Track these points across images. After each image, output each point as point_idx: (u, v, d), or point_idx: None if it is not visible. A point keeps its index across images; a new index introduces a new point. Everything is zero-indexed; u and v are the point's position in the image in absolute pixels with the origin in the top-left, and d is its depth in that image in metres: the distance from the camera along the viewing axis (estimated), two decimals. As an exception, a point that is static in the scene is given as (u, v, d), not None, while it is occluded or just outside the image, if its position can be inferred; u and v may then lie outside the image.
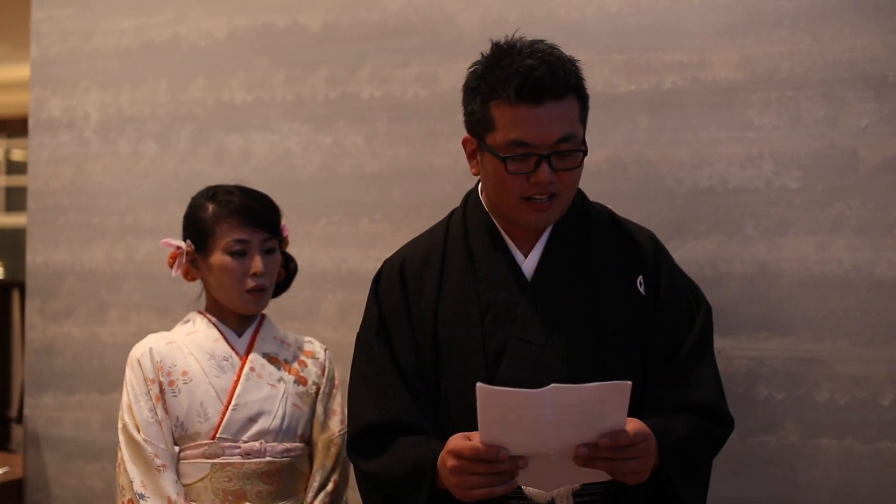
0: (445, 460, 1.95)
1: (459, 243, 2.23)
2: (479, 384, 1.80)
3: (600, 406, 1.83)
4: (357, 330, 2.31)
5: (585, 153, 2.09)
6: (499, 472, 1.88)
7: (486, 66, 2.09)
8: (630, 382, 1.82)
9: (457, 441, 1.93)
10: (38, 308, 3.53)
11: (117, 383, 3.32)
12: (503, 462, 1.86)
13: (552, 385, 1.77)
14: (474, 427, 1.93)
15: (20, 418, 3.94)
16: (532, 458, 1.88)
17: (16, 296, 4.62)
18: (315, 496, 2.49)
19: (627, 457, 1.90)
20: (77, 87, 3.47)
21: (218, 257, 2.47)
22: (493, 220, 2.20)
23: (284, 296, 2.63)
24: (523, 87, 2.01)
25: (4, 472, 3.61)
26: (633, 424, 1.91)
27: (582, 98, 2.10)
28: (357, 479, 2.25)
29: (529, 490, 2.08)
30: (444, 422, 2.13)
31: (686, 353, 2.17)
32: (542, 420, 1.80)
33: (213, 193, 2.53)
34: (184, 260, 2.55)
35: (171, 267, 2.57)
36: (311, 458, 2.54)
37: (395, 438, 2.12)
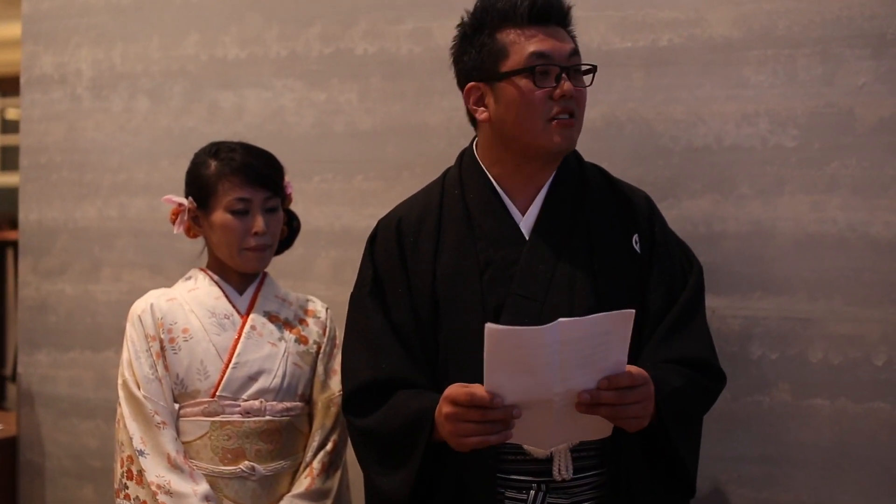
0: (441, 407, 1.96)
1: (456, 201, 2.24)
2: (488, 325, 1.79)
3: (605, 339, 1.84)
4: (351, 288, 2.31)
5: (595, 68, 2.19)
6: (493, 421, 1.89)
7: (487, 2, 2.16)
8: (633, 311, 1.84)
9: (453, 388, 1.94)
10: (31, 266, 3.53)
11: (111, 341, 3.34)
12: (497, 409, 1.87)
13: (559, 320, 1.78)
14: (472, 382, 1.94)
15: (14, 376, 3.95)
16: (532, 409, 1.88)
17: (10, 254, 4.61)
18: (314, 456, 2.49)
19: (629, 401, 1.90)
20: (69, 43, 3.45)
21: (219, 215, 2.46)
22: (490, 177, 2.21)
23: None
24: (534, 6, 2.10)
25: (-1, 430, 3.62)
26: (633, 368, 1.92)
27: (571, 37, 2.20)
28: (351, 438, 2.26)
29: (527, 446, 2.09)
30: (442, 379, 2.13)
31: (679, 311, 2.19)
32: (550, 359, 1.80)
33: (215, 150, 2.51)
34: (185, 217, 2.53)
35: (174, 224, 2.55)
36: (310, 417, 2.54)
37: (391, 394, 2.14)
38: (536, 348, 1.80)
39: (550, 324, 1.78)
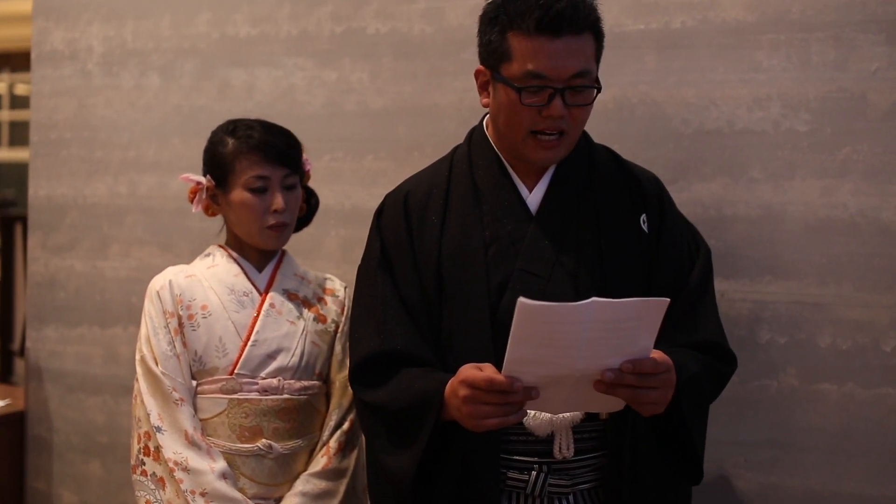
0: (457, 390, 1.95)
1: (464, 177, 2.24)
2: (521, 299, 1.77)
3: (635, 324, 1.83)
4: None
5: (599, 90, 2.11)
6: (511, 403, 1.89)
7: None
8: (668, 300, 1.83)
9: (469, 371, 1.93)
10: (40, 241, 3.53)
11: (119, 317, 3.35)
12: (516, 392, 1.87)
13: (593, 299, 1.77)
14: (475, 359, 1.97)
15: (22, 351, 3.96)
16: (548, 387, 1.88)
17: (18, 229, 4.62)
18: (331, 435, 2.50)
19: (650, 385, 1.90)
20: (80, 19, 3.44)
21: (238, 193, 2.45)
22: (499, 154, 2.22)
23: (287, 232, 2.63)
24: (543, 18, 2.03)
25: (6, 405, 3.63)
26: (658, 354, 1.92)
27: (598, 36, 2.12)
28: (358, 411, 2.27)
29: (529, 424, 2.11)
30: (446, 353, 2.15)
31: (688, 292, 2.20)
32: (577, 337, 1.80)
33: (233, 128, 2.50)
34: (204, 195, 2.53)
35: (192, 202, 2.55)
36: (328, 396, 2.55)
37: (398, 369, 2.13)
38: (566, 325, 1.79)
39: (584, 301, 1.76)
